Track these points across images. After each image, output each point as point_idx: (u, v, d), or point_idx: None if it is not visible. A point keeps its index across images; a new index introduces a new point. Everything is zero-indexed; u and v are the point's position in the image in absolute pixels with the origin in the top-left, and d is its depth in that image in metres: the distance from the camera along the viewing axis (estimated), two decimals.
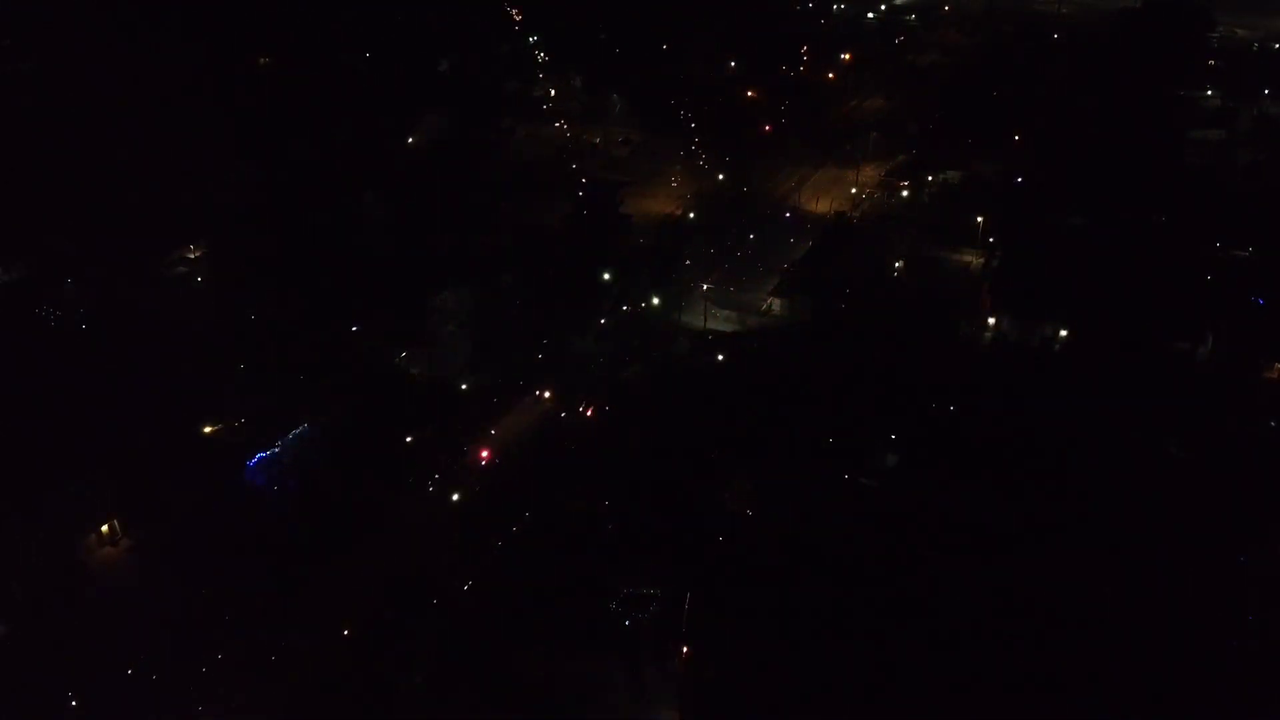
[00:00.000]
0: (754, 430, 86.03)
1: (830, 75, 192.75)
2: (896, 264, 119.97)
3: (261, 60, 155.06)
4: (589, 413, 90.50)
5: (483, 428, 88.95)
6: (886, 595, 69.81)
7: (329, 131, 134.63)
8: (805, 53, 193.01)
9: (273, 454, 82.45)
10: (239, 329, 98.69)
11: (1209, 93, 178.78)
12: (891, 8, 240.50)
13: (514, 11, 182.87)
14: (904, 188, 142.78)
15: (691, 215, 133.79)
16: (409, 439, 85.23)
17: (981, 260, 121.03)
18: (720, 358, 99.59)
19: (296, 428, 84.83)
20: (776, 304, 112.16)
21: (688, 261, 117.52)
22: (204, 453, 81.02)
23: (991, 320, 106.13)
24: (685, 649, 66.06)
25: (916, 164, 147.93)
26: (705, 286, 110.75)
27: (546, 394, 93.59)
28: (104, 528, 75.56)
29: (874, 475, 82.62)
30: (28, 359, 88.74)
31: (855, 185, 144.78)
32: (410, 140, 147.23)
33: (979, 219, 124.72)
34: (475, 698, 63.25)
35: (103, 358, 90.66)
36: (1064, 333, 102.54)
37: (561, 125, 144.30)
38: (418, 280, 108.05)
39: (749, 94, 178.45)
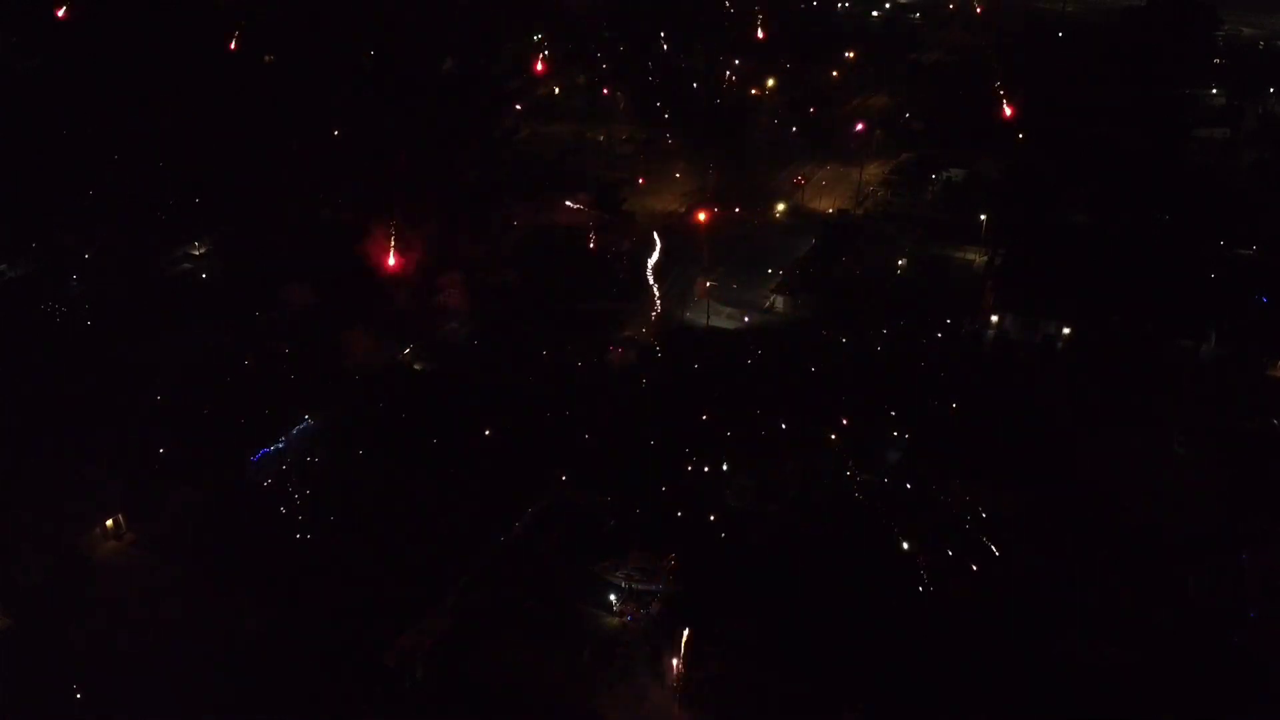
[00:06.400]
0: (756, 426, 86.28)
1: (834, 73, 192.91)
2: (900, 262, 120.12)
3: (266, 58, 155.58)
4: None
5: (485, 424, 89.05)
6: (889, 591, 70.04)
7: (333, 129, 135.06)
8: (809, 51, 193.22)
9: (276, 449, 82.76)
10: (242, 325, 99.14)
11: (1214, 91, 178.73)
12: (896, 6, 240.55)
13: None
14: (907, 185, 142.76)
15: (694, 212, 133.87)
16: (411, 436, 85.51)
17: (984, 258, 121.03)
18: (722, 355, 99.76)
19: (300, 423, 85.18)
20: (779, 301, 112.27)
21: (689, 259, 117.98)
22: (208, 448, 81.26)
23: (994, 318, 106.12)
24: (686, 645, 66.15)
25: (920, 162, 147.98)
26: (708, 283, 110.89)
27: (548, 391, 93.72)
28: (108, 522, 75.86)
29: (877, 471, 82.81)
30: (33, 355, 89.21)
31: (858, 183, 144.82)
32: (414, 137, 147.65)
33: (982, 217, 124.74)
34: (475, 694, 63.47)
35: (107, 353, 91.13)
36: (1066, 330, 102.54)
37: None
38: (421, 278, 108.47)
39: (753, 92, 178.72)
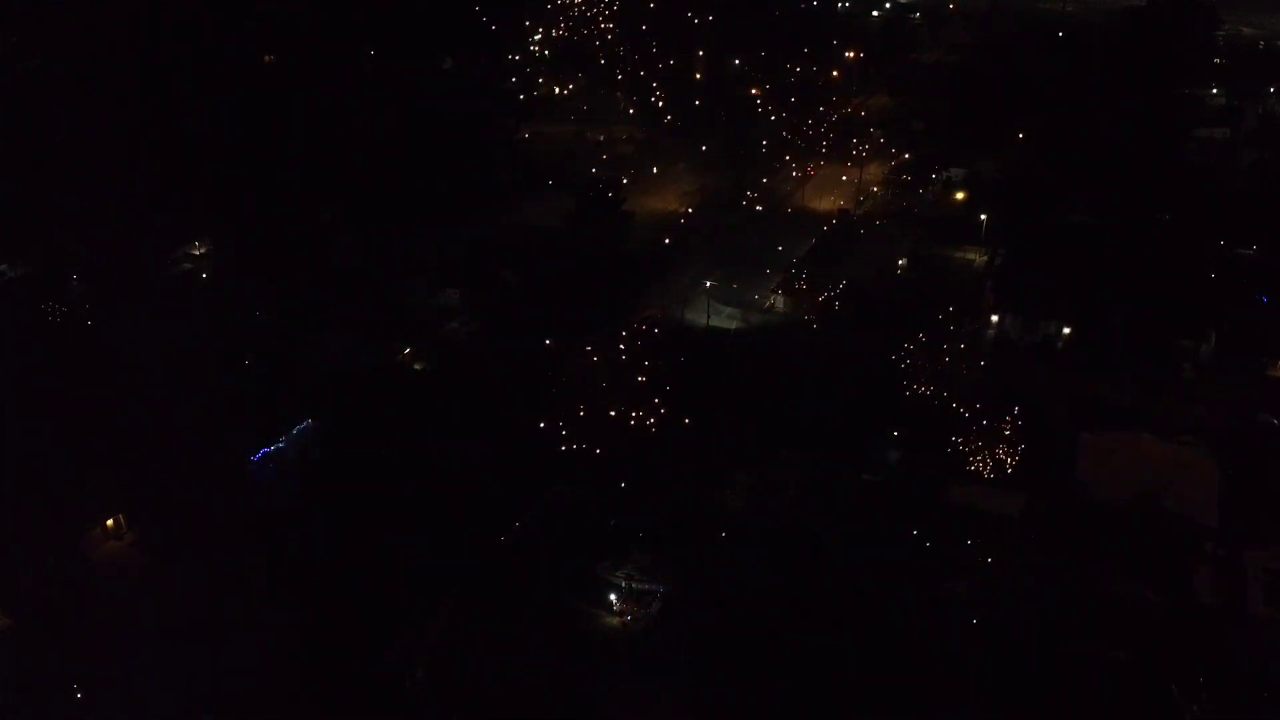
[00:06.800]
0: (756, 426, 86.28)
1: (835, 73, 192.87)
2: (900, 261, 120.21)
3: (266, 58, 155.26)
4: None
5: (485, 423, 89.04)
6: (890, 591, 70.05)
7: (333, 129, 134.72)
8: (810, 50, 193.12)
9: (277, 449, 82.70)
10: (244, 325, 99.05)
11: (1214, 90, 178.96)
12: (896, 5, 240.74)
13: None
14: (907, 185, 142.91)
15: (694, 212, 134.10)
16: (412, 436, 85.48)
17: (984, 258, 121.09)
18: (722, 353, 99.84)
19: (301, 423, 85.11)
20: (779, 301, 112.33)
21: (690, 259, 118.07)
22: (208, 448, 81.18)
23: (994, 318, 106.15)
24: (686, 646, 66.21)
25: (920, 162, 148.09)
26: (708, 283, 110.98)
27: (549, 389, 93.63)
28: (109, 522, 75.86)
29: (877, 471, 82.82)
30: (32, 355, 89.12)
31: (858, 183, 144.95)
32: (414, 138, 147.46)
33: (982, 216, 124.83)
34: (475, 694, 63.45)
35: (107, 353, 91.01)
36: (1066, 330, 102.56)
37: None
38: (422, 278, 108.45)
39: (753, 91, 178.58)
